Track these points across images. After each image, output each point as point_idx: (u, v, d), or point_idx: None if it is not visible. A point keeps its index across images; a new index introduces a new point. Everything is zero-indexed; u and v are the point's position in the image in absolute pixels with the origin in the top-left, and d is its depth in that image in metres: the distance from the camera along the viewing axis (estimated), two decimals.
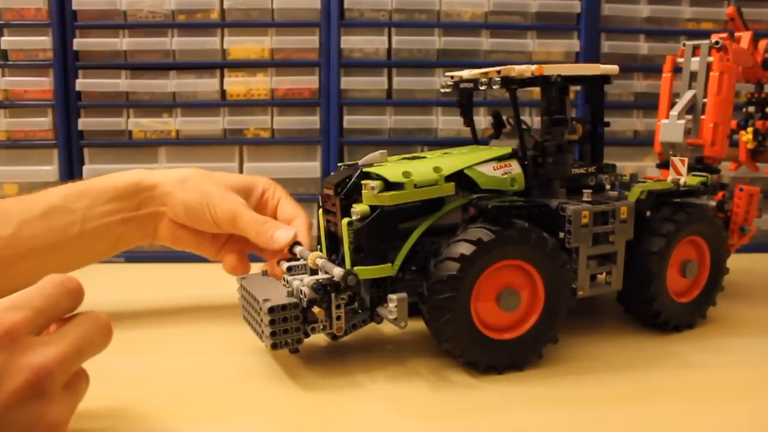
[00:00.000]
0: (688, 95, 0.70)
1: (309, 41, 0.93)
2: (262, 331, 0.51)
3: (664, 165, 0.71)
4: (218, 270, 0.67)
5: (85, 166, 0.94)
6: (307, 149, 0.96)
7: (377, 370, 0.54)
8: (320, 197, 0.58)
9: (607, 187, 0.63)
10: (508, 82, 0.56)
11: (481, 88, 0.59)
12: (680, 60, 0.72)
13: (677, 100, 0.71)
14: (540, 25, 0.95)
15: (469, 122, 0.69)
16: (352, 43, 0.93)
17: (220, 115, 0.94)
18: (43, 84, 0.92)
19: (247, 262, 0.66)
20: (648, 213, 0.61)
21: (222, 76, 0.94)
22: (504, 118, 0.65)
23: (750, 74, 0.74)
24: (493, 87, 0.57)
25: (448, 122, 0.95)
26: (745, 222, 0.73)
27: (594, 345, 0.60)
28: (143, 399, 0.49)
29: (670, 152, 0.69)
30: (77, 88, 0.93)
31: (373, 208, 0.52)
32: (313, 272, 0.55)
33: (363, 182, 0.53)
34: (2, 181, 0.94)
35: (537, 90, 0.60)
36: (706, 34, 0.70)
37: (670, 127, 0.70)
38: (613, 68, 0.61)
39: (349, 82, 0.94)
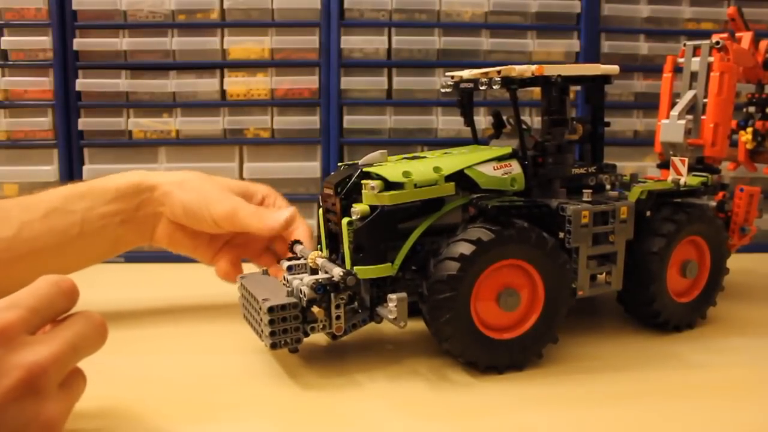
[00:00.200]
0: (688, 95, 0.70)
1: (309, 41, 0.93)
2: (262, 331, 0.51)
3: (664, 165, 0.71)
4: None
5: (85, 166, 0.94)
6: (307, 149, 0.96)
7: (377, 370, 0.54)
8: (320, 197, 0.58)
9: (608, 187, 0.63)
10: (508, 82, 0.56)
11: (481, 88, 0.59)
12: (681, 60, 0.72)
13: (678, 100, 0.71)
14: (540, 25, 0.95)
15: (469, 122, 0.69)
16: (352, 43, 0.93)
17: (220, 115, 0.94)
18: (43, 84, 0.92)
19: (240, 269, 0.66)
20: (648, 213, 0.61)
21: (222, 76, 0.94)
22: (504, 118, 0.65)
23: (750, 75, 0.74)
24: (494, 87, 0.57)
25: (448, 122, 0.95)
26: (745, 222, 0.73)
27: (594, 345, 0.60)
28: (143, 399, 0.49)
29: (671, 152, 0.69)
30: (77, 88, 0.93)
31: (373, 207, 0.52)
32: (313, 272, 0.55)
33: (363, 182, 0.53)
34: (2, 181, 0.94)
35: (537, 90, 0.60)
36: (706, 34, 0.70)
37: (670, 127, 0.70)
38: (613, 68, 0.61)
39: (349, 82, 0.94)
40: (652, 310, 0.61)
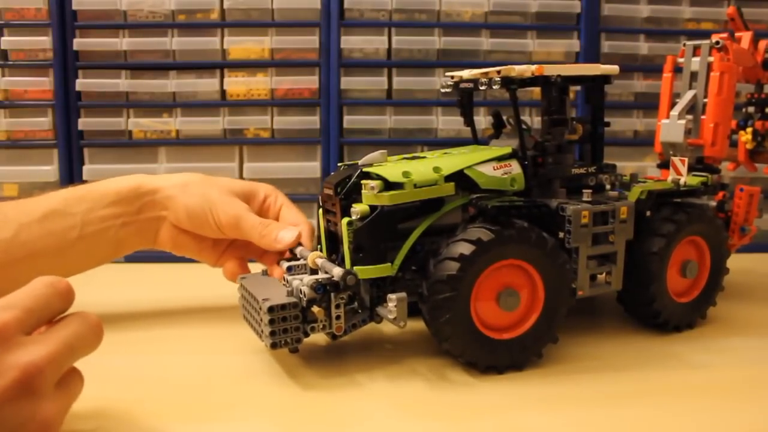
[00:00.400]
0: (688, 95, 0.70)
1: (309, 41, 0.93)
2: (262, 331, 0.51)
3: (664, 165, 0.71)
4: (218, 270, 0.67)
5: (85, 166, 0.94)
6: (307, 149, 0.96)
7: (377, 370, 0.54)
8: (320, 197, 0.58)
9: (607, 187, 0.63)
10: (508, 82, 0.56)
11: (481, 88, 0.59)
12: (681, 60, 0.72)
13: (678, 100, 0.71)
14: (540, 25, 0.95)
15: (469, 122, 0.69)
16: (352, 43, 0.93)
17: (220, 115, 0.94)
18: (43, 84, 0.92)
19: (247, 269, 0.66)
20: (648, 213, 0.61)
21: (222, 76, 0.94)
22: (504, 118, 0.65)
23: (750, 74, 0.74)
24: (494, 87, 0.57)
25: (448, 122, 0.95)
26: (745, 222, 0.73)
27: (594, 345, 0.60)
28: (142, 399, 0.49)
29: (671, 152, 0.69)
30: (77, 88, 0.93)
31: (372, 207, 0.52)
32: (313, 272, 0.55)
33: (363, 182, 0.53)
34: (2, 181, 0.94)
35: (537, 90, 0.60)
36: (706, 34, 0.70)
37: (670, 127, 0.70)
38: (613, 68, 0.61)
39: (349, 82, 0.94)
40: (652, 310, 0.61)
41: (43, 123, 0.93)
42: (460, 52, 0.95)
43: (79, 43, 0.92)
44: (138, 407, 0.47)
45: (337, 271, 0.51)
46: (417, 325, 0.56)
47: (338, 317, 0.52)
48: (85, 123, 0.93)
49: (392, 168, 0.54)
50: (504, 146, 0.61)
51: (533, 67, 0.56)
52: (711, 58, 0.69)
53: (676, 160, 0.67)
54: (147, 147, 0.95)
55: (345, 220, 0.53)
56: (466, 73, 0.62)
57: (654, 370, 0.55)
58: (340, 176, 0.55)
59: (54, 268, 0.57)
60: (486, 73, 0.59)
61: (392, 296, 0.51)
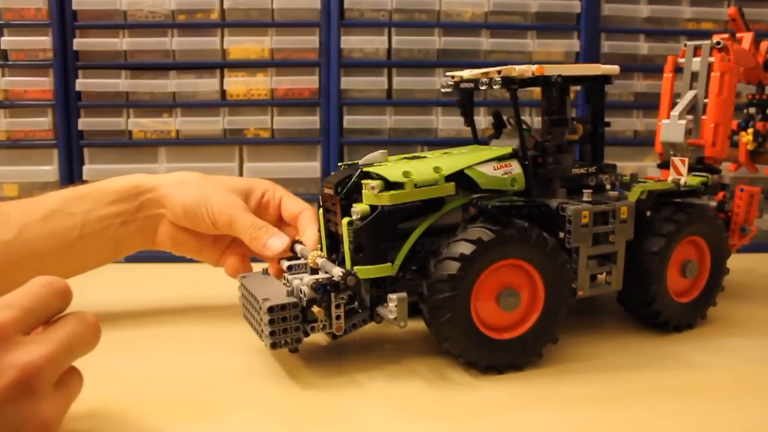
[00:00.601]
0: (689, 95, 0.70)
1: (309, 41, 0.93)
2: (262, 331, 0.51)
3: (664, 165, 0.71)
4: (218, 270, 0.67)
5: (85, 166, 0.94)
6: (307, 149, 0.96)
7: (377, 370, 0.54)
8: (320, 197, 0.58)
9: (608, 187, 0.63)
10: (508, 82, 0.56)
11: (481, 88, 0.59)
12: (681, 60, 0.72)
13: (678, 100, 0.71)
14: (540, 25, 0.95)
15: (469, 122, 0.69)
16: (352, 43, 0.93)
17: (220, 115, 0.94)
18: (43, 84, 0.92)
19: (249, 266, 0.66)
20: (648, 213, 0.61)
21: (222, 76, 0.94)
22: (504, 118, 0.65)
23: (751, 75, 0.74)
24: (494, 87, 0.57)
25: (448, 122, 0.95)
26: (745, 222, 0.73)
27: (594, 345, 0.60)
28: (142, 399, 0.49)
29: (671, 152, 0.69)
30: (77, 88, 0.93)
31: (373, 207, 0.52)
32: (314, 271, 0.55)
33: (363, 182, 0.53)
34: (2, 181, 0.94)
35: (537, 90, 0.60)
36: (706, 35, 0.70)
37: (671, 127, 0.70)
38: (613, 68, 0.61)
39: (349, 82, 0.94)
40: (652, 310, 0.61)
41: (43, 123, 0.93)
42: (460, 52, 0.95)
43: (79, 43, 0.92)
44: (137, 407, 0.47)
45: (337, 271, 0.51)
46: (417, 325, 0.56)
47: (338, 317, 0.52)
48: (85, 123, 0.93)
49: (392, 168, 0.54)
50: (504, 146, 0.61)
51: (534, 67, 0.56)
52: (712, 59, 0.69)
53: (676, 160, 0.67)
54: (147, 147, 0.95)
55: (345, 219, 0.53)
56: (467, 73, 0.62)
57: (654, 370, 0.55)
58: (341, 176, 0.55)
59: (55, 268, 0.57)
60: (486, 73, 0.59)
61: (392, 296, 0.51)
